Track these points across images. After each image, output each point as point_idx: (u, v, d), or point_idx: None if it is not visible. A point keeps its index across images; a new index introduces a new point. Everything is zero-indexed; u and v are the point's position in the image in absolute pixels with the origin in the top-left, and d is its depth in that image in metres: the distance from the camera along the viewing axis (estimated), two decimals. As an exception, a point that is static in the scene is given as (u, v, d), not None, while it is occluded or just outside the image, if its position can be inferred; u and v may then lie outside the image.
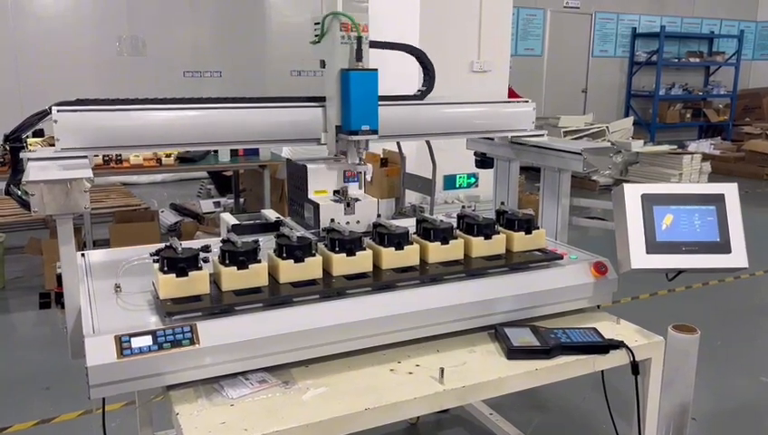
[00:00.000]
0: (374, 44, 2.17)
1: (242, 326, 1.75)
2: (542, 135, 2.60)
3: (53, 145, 1.85)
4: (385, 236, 2.06)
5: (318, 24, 2.10)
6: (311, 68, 10.54)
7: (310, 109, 2.18)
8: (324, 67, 2.13)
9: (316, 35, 2.11)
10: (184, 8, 9.68)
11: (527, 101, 2.63)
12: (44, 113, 1.85)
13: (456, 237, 2.16)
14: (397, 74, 3.33)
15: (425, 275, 2.05)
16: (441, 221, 2.21)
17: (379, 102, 2.21)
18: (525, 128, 2.59)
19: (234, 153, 5.64)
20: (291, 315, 1.81)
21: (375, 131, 2.11)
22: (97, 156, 4.74)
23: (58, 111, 1.84)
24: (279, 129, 2.16)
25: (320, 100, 2.19)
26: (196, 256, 1.82)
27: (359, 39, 2.06)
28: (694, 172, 9.14)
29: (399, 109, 2.37)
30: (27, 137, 1.91)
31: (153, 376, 1.65)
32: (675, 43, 13.99)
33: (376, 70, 2.09)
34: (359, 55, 2.07)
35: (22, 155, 1.84)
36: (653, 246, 2.04)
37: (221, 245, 1.91)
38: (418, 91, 2.45)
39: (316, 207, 2.27)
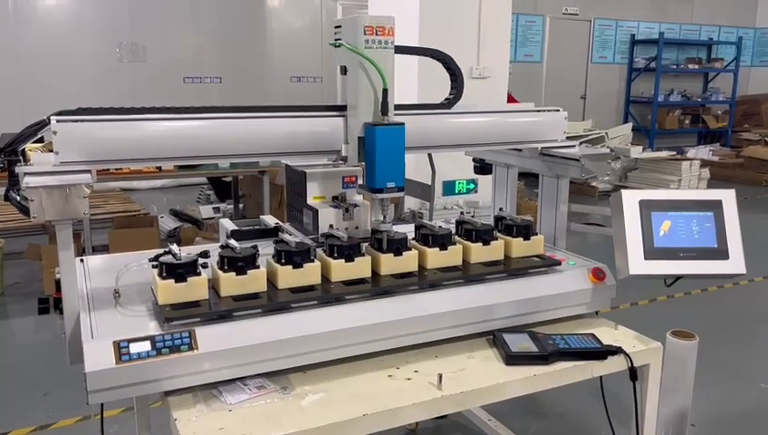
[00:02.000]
0: (399, 49, 2.02)
1: (240, 332, 1.75)
2: (573, 146, 2.42)
3: (52, 150, 1.82)
4: (384, 241, 2.06)
5: (339, 27, 1.97)
6: (311, 74, 10.58)
7: (329, 118, 2.03)
8: (345, 74, 1.99)
9: (337, 39, 1.97)
10: (184, 14, 9.72)
11: (558, 110, 2.45)
12: (43, 124, 1.74)
13: (454, 243, 2.17)
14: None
15: (423, 280, 2.05)
16: (440, 227, 2.22)
17: (408, 111, 2.07)
18: (556, 138, 2.42)
19: (233, 158, 5.63)
20: (289, 321, 1.81)
21: (401, 188, 1.98)
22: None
23: (57, 121, 1.70)
24: (295, 140, 2.00)
25: (339, 109, 2.04)
26: (195, 261, 1.82)
27: (384, 92, 1.91)
28: (693, 178, 9.15)
29: (426, 118, 2.21)
30: (23, 150, 1.77)
31: (151, 382, 1.65)
32: (673, 50, 14.03)
33: (402, 124, 1.96)
34: (384, 109, 1.92)
35: (17, 169, 1.71)
36: (651, 252, 2.04)
37: (220, 250, 1.91)
38: (446, 99, 2.31)
39: (315, 212, 2.27)
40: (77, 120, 1.74)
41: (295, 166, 2.44)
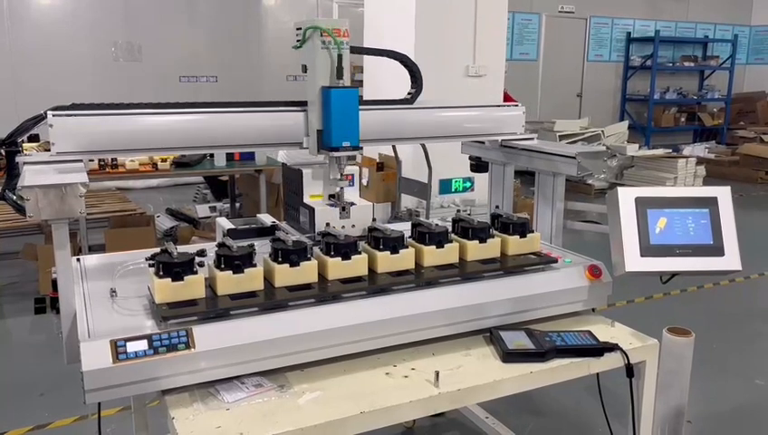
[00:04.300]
0: (357, 50, 2.16)
1: (237, 330, 1.75)
2: (532, 138, 2.60)
3: (49, 150, 1.84)
4: (380, 239, 2.07)
5: (300, 29, 2.10)
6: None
7: (292, 113, 2.18)
8: (306, 72, 2.13)
9: (298, 40, 2.11)
10: (180, 13, 9.70)
11: (517, 105, 2.63)
12: (40, 118, 1.84)
13: (451, 241, 2.17)
14: (392, 74, 3.30)
15: (420, 278, 2.05)
16: (436, 225, 2.22)
17: (369, 107, 2.20)
18: (515, 131, 2.59)
19: (230, 158, 5.65)
20: (286, 319, 1.81)
21: (356, 147, 2.11)
22: (92, 160, 4.75)
23: (53, 115, 1.84)
24: (262, 133, 2.17)
25: (303, 104, 2.19)
26: (192, 260, 1.82)
27: (339, 57, 2.06)
28: (688, 176, 9.17)
29: (389, 113, 2.36)
30: (23, 141, 1.92)
31: (149, 381, 1.65)
32: (669, 48, 14.06)
33: (356, 87, 2.11)
34: (339, 73, 2.06)
35: (18, 159, 1.84)
36: (647, 249, 2.05)
37: (217, 249, 1.91)
38: (408, 94, 2.43)
39: (311, 211, 2.28)
40: (72, 114, 1.85)
41: (292, 165, 2.45)
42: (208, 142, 2.12)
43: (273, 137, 2.19)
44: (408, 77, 2.39)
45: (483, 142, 2.73)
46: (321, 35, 2.03)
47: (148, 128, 2.01)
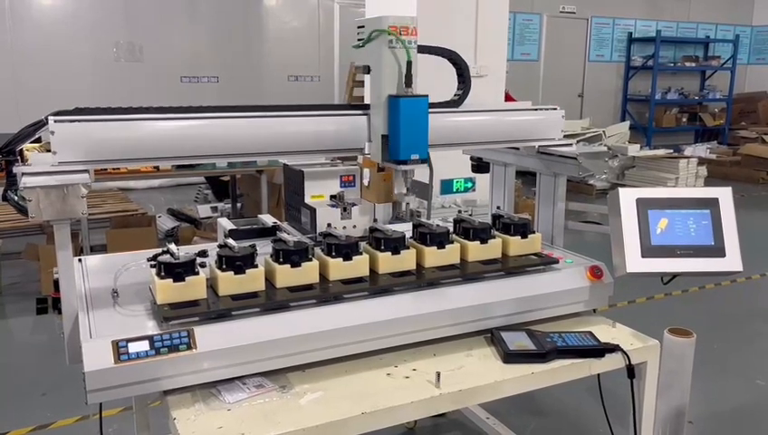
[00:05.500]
0: (421, 49, 2.04)
1: (239, 331, 1.75)
2: (570, 145, 2.42)
3: (50, 150, 1.81)
4: (381, 240, 2.07)
5: (362, 27, 1.98)
6: (308, 73, 10.58)
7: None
8: (369, 73, 2.01)
9: (360, 39, 1.99)
10: (181, 14, 9.70)
11: (555, 108, 2.46)
12: (40, 124, 1.73)
13: (452, 242, 2.17)
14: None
15: (421, 279, 2.05)
16: (437, 226, 2.22)
17: None
18: (554, 136, 2.42)
19: (231, 158, 5.62)
20: (288, 320, 1.81)
21: (424, 160, 1.98)
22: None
23: (55, 121, 1.69)
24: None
25: (363, 108, 2.07)
26: (193, 261, 1.82)
27: (408, 64, 1.93)
28: (690, 176, 9.16)
29: (434, 117, 2.13)
30: (20, 151, 1.77)
31: (150, 381, 1.65)
32: (670, 48, 14.06)
33: (426, 96, 1.97)
34: (408, 81, 1.94)
35: (15, 169, 1.70)
36: (648, 250, 2.05)
37: (218, 250, 1.92)
38: (455, 95, 2.30)
39: (313, 211, 2.28)
40: (75, 120, 1.72)
41: (293, 165, 2.44)
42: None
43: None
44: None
45: (517, 148, 2.54)
46: (389, 35, 1.90)
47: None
